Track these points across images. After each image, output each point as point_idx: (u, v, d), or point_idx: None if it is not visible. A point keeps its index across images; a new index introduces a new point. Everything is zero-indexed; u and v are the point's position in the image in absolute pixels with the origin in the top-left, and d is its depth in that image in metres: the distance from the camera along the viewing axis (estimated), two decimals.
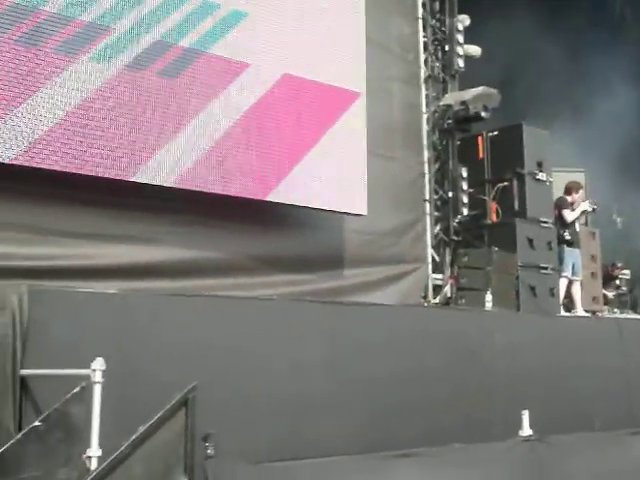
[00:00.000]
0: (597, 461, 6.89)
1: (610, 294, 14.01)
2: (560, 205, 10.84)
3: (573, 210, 11.02)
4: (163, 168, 7.32)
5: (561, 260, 10.53)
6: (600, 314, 11.94)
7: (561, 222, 10.68)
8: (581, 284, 11.24)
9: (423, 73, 11.25)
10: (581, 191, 11.35)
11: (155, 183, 7.27)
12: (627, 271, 14.81)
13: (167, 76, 7.47)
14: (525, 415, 6.60)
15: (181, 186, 7.43)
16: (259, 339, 5.91)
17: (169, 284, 7.37)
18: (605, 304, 13.63)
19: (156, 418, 4.48)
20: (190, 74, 7.64)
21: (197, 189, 7.54)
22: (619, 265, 14.19)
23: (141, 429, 4.32)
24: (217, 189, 7.68)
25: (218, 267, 7.99)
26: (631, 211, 16.99)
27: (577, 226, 11.19)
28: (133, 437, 4.23)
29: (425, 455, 5.75)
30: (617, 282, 14.18)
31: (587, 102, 16.55)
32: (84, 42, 6.90)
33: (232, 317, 5.85)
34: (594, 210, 11.74)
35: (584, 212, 11.35)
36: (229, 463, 4.88)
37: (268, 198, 8.15)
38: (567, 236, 10.68)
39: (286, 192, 8.26)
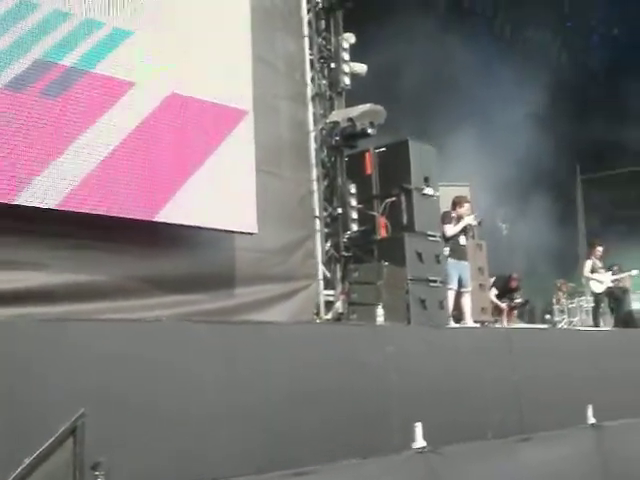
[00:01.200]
0: (490, 469, 7.01)
1: (503, 305, 14.36)
2: (442, 219, 11.04)
3: (457, 224, 11.25)
4: (46, 190, 7.14)
5: (446, 273, 10.70)
6: (493, 324, 12.23)
7: (443, 236, 10.85)
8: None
9: (310, 91, 11.32)
10: (466, 205, 11.58)
11: (37, 205, 7.08)
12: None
13: (49, 96, 7.31)
14: (418, 427, 6.66)
15: (65, 208, 7.26)
16: (147, 362, 5.79)
17: (52, 309, 7.15)
18: (500, 314, 14.02)
19: (42, 449, 4.35)
20: (73, 94, 7.50)
21: (81, 211, 7.38)
22: (515, 276, 14.52)
23: (27, 461, 4.18)
24: (102, 210, 7.53)
25: (106, 290, 7.82)
26: (515, 223, 17.50)
27: (463, 239, 11.41)
28: (18, 469, 4.09)
29: (319, 473, 5.73)
30: (516, 294, 14.50)
31: (473, 118, 17.03)
32: None
33: (119, 340, 5.71)
34: (479, 224, 12.02)
35: (469, 226, 11.59)
36: None
37: (156, 218, 8.04)
38: (446, 250, 10.84)
39: (174, 212, 8.17)
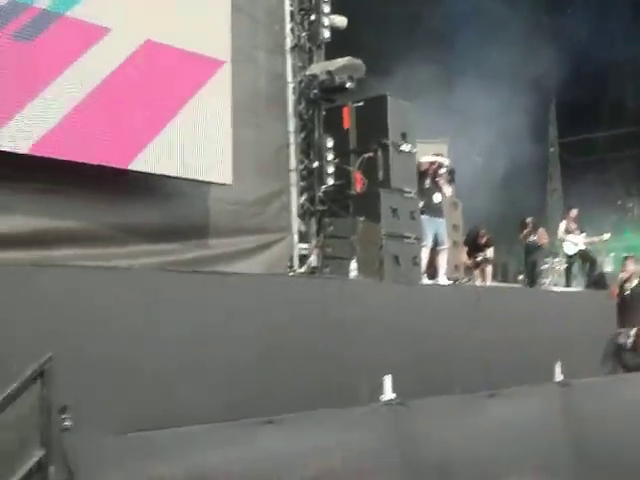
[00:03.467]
0: (457, 423, 7.07)
1: (469, 262, 14.31)
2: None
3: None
4: (18, 135, 7.05)
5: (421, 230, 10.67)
6: (465, 282, 12.24)
7: (418, 193, 10.77)
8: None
9: (289, 42, 11.19)
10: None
11: (9, 150, 7.00)
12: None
13: (23, 39, 7.19)
14: (387, 380, 6.71)
15: (37, 153, 7.18)
16: (118, 309, 5.80)
17: (24, 255, 7.09)
18: (472, 272, 13.98)
19: (9, 391, 4.35)
20: (47, 37, 7.38)
21: (54, 156, 7.29)
22: (483, 232, 14.39)
23: None
24: (74, 156, 7.44)
25: (78, 237, 7.77)
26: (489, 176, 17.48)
27: (438, 197, 11.39)
28: None
29: (289, 421, 5.76)
30: (486, 250, 14.34)
31: (454, 74, 16.95)
32: None
33: (89, 287, 5.70)
34: (451, 172, 11.84)
35: (440, 165, 11.50)
36: (88, 435, 4.76)
37: (130, 167, 7.97)
38: (421, 206, 10.79)
39: (149, 160, 8.10)
